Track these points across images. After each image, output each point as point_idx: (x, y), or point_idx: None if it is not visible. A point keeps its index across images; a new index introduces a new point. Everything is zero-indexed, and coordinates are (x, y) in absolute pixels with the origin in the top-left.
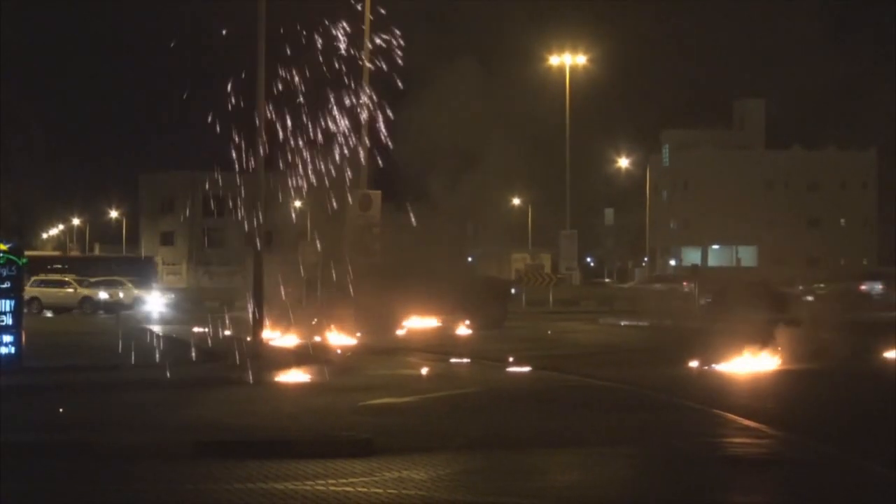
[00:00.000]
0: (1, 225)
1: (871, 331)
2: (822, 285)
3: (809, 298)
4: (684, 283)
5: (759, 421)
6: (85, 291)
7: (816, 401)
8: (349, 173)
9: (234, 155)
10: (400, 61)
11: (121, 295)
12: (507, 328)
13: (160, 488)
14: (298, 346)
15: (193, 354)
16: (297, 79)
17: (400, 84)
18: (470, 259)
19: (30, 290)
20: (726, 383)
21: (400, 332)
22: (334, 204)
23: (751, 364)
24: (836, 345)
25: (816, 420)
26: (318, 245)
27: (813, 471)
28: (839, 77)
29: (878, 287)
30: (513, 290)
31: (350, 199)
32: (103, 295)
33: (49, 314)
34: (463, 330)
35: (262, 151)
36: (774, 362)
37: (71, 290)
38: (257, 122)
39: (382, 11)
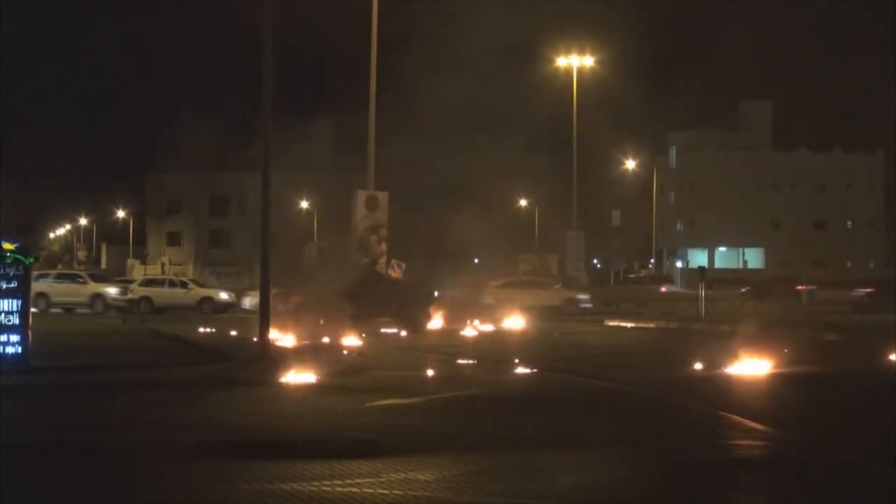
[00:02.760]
0: (7, 225)
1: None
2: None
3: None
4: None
5: (765, 423)
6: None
7: (821, 403)
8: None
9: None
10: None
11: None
12: (514, 330)
13: (164, 488)
14: (305, 346)
15: (199, 354)
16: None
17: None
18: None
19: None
20: (732, 385)
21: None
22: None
23: (757, 366)
24: (843, 348)
25: (821, 422)
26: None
27: (817, 473)
28: (846, 78)
29: (813, 288)
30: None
31: (357, 199)
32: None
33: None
34: (469, 331)
35: (266, 152)
36: (780, 364)
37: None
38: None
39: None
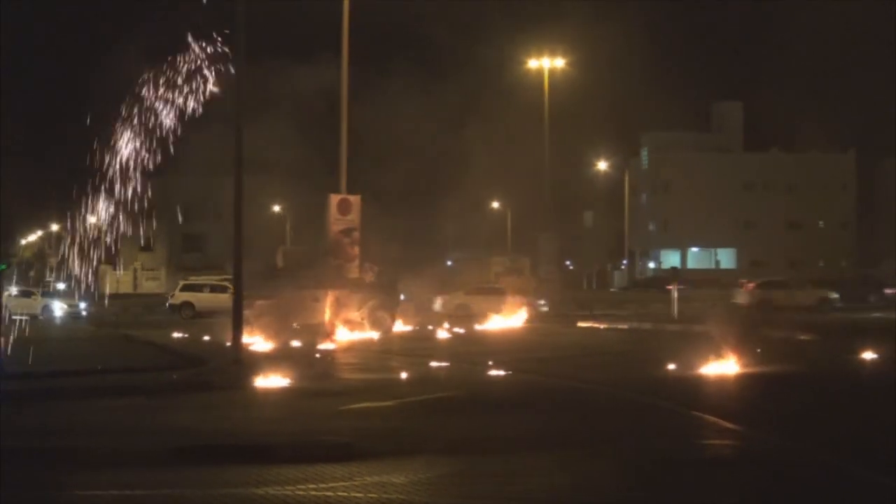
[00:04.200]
0: None
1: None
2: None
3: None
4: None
5: (738, 422)
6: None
7: (793, 402)
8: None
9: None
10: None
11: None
12: (489, 332)
13: (139, 494)
14: (278, 350)
15: (173, 359)
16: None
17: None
18: (449, 263)
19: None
20: (705, 385)
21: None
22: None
23: (729, 366)
24: (814, 347)
25: (792, 421)
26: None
27: (790, 471)
28: (818, 79)
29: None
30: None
31: (329, 203)
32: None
33: None
34: (442, 333)
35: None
36: (751, 364)
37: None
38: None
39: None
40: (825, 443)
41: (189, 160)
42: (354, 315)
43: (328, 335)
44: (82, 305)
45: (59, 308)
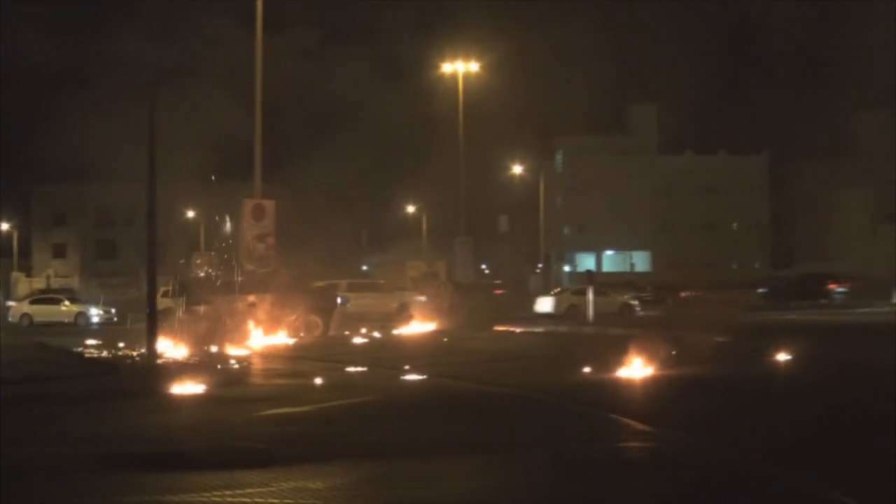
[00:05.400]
0: None
1: None
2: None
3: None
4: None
5: (654, 424)
6: None
7: (709, 404)
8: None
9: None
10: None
11: None
12: (406, 336)
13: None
14: (193, 357)
15: (86, 366)
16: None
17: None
18: (365, 268)
19: None
20: (622, 388)
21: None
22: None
23: (645, 368)
24: (731, 348)
25: (709, 422)
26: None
27: (707, 473)
28: (731, 82)
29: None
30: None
31: (243, 208)
32: None
33: None
34: (359, 339)
35: (151, 161)
36: (668, 366)
37: None
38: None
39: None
40: (736, 443)
41: (101, 165)
42: (290, 319)
43: (244, 341)
44: None
45: None
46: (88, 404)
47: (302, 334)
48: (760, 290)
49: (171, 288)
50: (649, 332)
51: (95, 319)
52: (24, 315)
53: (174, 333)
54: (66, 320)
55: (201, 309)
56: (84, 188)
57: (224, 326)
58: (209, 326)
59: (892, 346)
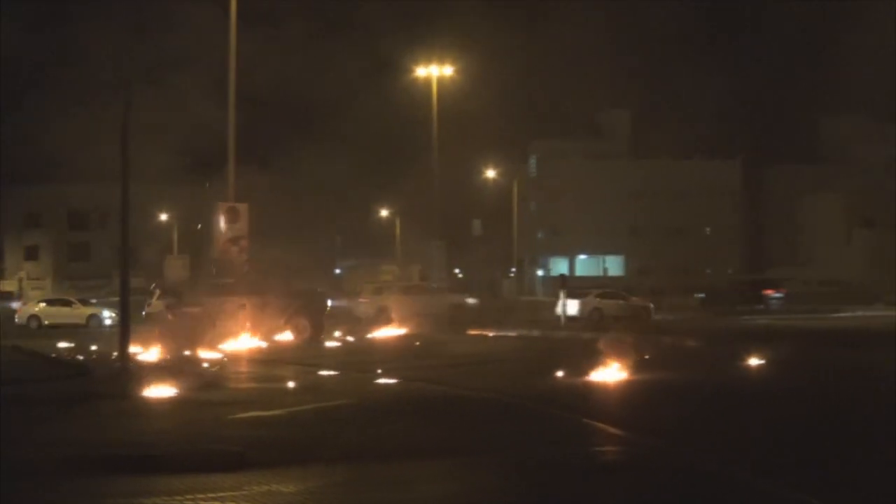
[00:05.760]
0: None
1: None
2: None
3: None
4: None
5: (626, 429)
6: None
7: (681, 409)
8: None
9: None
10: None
11: None
12: (378, 340)
13: None
14: (166, 360)
15: (60, 369)
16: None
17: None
18: (338, 271)
19: None
20: (594, 392)
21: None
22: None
23: (618, 373)
24: (704, 354)
25: (681, 428)
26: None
27: (678, 478)
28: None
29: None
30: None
31: (217, 211)
32: None
33: None
34: (332, 342)
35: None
36: (641, 371)
37: None
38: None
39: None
40: (709, 448)
41: (75, 166)
42: (279, 322)
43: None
44: None
45: None
46: (57, 407)
47: (293, 336)
48: (698, 296)
49: (158, 291)
50: (619, 337)
51: (108, 322)
52: (32, 317)
53: (157, 336)
54: (79, 322)
55: (187, 311)
56: (57, 189)
57: (210, 329)
58: (193, 329)
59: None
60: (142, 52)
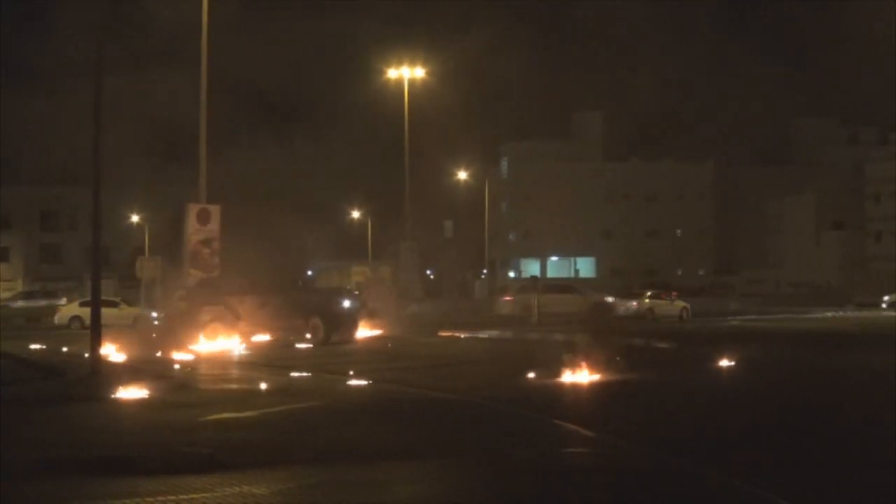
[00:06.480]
0: None
1: None
2: None
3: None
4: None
5: (598, 430)
6: None
7: (655, 410)
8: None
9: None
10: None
11: None
12: (348, 342)
13: None
14: (137, 361)
15: (30, 371)
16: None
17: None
18: (310, 273)
19: None
20: (566, 394)
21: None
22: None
23: (589, 374)
24: (677, 355)
25: (653, 429)
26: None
27: (650, 479)
28: (678, 90)
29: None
30: (346, 304)
31: (188, 212)
32: None
33: None
34: (304, 344)
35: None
36: (612, 372)
37: None
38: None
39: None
40: (681, 448)
41: (46, 167)
42: (295, 322)
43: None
44: None
45: None
46: (28, 409)
47: (308, 336)
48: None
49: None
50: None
51: (156, 323)
52: (74, 318)
53: (120, 338)
54: (126, 323)
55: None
56: (28, 191)
57: (234, 325)
58: (181, 332)
59: None
60: (115, 47)
